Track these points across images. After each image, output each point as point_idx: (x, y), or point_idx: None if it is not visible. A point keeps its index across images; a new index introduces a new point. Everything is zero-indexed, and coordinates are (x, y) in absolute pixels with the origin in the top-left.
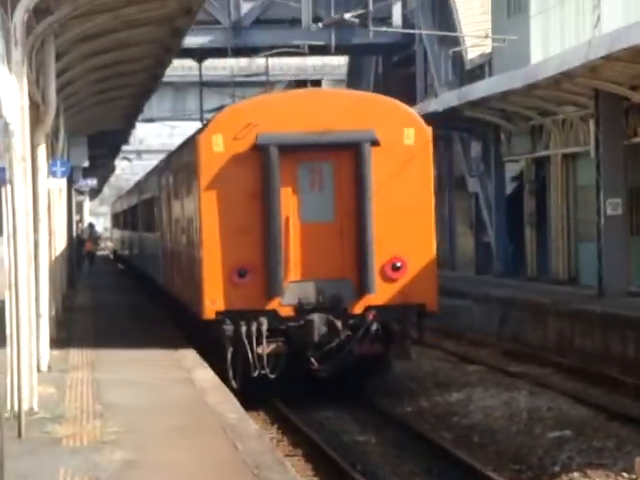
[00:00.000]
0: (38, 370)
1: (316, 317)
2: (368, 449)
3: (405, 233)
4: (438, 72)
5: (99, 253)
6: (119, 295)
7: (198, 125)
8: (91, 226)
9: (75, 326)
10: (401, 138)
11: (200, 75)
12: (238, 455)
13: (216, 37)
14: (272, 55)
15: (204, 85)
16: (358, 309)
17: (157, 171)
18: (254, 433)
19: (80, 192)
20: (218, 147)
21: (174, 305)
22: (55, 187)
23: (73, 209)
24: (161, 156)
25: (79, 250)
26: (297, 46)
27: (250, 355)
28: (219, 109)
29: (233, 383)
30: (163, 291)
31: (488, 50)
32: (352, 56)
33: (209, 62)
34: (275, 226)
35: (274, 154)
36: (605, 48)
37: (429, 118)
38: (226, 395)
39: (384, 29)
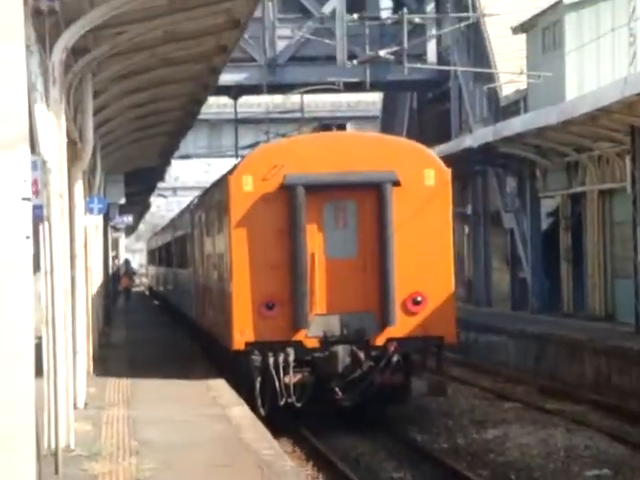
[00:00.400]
0: (75, 407)
1: (340, 349)
2: None
3: (425, 269)
4: (473, 108)
5: (135, 289)
6: (154, 331)
7: (233, 162)
8: (127, 262)
9: (111, 363)
10: (422, 179)
11: (235, 112)
12: None
13: (251, 74)
14: (307, 92)
15: (239, 122)
16: (380, 341)
17: (190, 209)
18: (290, 470)
19: (116, 229)
20: (248, 187)
21: (206, 339)
22: (92, 224)
23: (109, 246)
24: (196, 193)
25: (115, 286)
26: (332, 83)
27: (277, 384)
28: (254, 145)
29: (261, 411)
30: (196, 325)
31: (523, 86)
32: (387, 93)
33: (244, 99)
34: (301, 262)
35: (301, 193)
36: None
37: (464, 154)
38: (262, 432)
39: (419, 66)
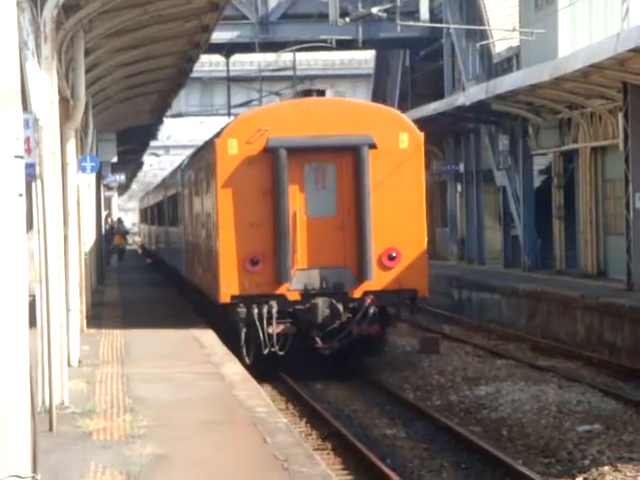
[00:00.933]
0: (69, 365)
1: (320, 301)
2: (397, 443)
3: (399, 227)
4: (466, 66)
5: (128, 247)
6: (147, 288)
7: (226, 120)
8: (119, 221)
9: (104, 321)
10: (396, 142)
11: (227, 70)
12: (267, 449)
13: (243, 32)
14: (299, 50)
15: (231, 80)
16: (357, 294)
17: (180, 170)
18: (283, 427)
19: (109, 188)
20: (233, 150)
21: (195, 293)
22: (84, 182)
23: (102, 204)
24: (189, 151)
25: (108, 245)
26: (324, 40)
27: (261, 335)
28: (246, 104)
29: (246, 359)
30: (186, 281)
31: (516, 43)
32: (379, 50)
33: (237, 57)
34: (283, 220)
35: (283, 156)
36: (634, 41)
37: (457, 112)
38: (255, 389)
39: (411, 23)
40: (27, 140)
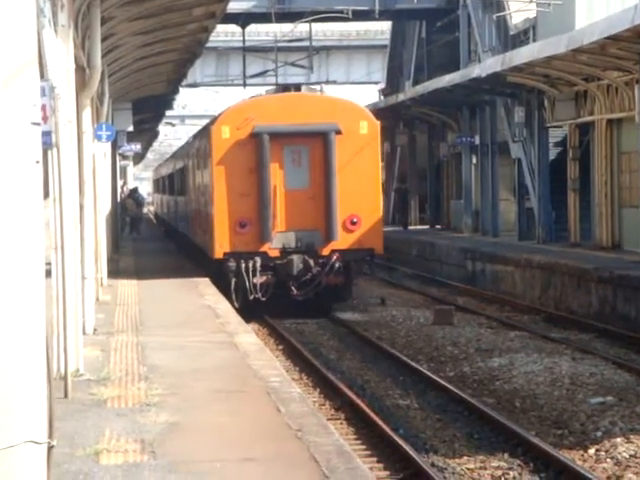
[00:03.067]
0: (84, 332)
1: (295, 257)
2: (410, 414)
3: (360, 198)
4: (482, 37)
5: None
6: (160, 255)
7: (241, 90)
8: (135, 190)
9: (119, 289)
10: (357, 129)
11: (243, 40)
12: (281, 418)
13: (260, 2)
14: (315, 20)
15: (247, 50)
16: (326, 251)
17: (186, 147)
18: (297, 397)
19: (124, 157)
20: (225, 134)
21: (198, 252)
22: (100, 151)
23: (117, 173)
24: (204, 121)
25: (123, 215)
26: (340, 11)
27: (248, 284)
28: (262, 74)
29: (236, 304)
30: (191, 242)
31: (532, 15)
32: (396, 21)
33: (252, 27)
34: (266, 191)
35: (266, 140)
36: None
37: (472, 83)
38: (269, 359)
39: None
40: (43, 108)
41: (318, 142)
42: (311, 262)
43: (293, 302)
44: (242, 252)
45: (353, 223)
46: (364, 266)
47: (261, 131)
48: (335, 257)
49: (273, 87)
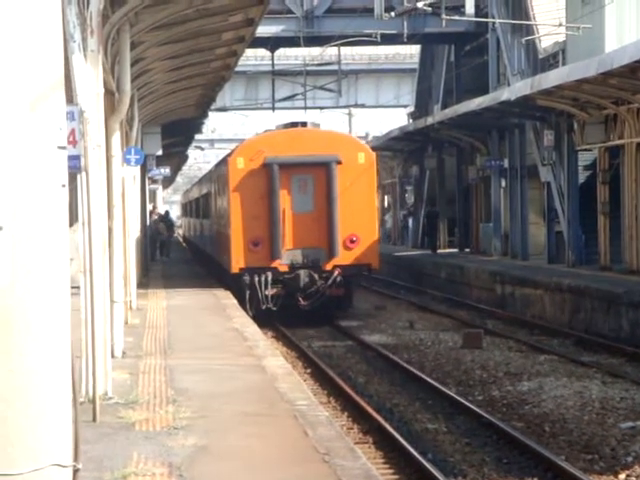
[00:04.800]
0: (112, 356)
1: (302, 272)
2: (438, 438)
3: (358, 220)
4: (511, 61)
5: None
6: (189, 281)
7: (270, 114)
8: (167, 214)
9: (148, 312)
10: (356, 159)
11: (272, 64)
12: (308, 441)
13: (288, 26)
14: (344, 44)
15: (276, 74)
16: (328, 267)
17: (208, 175)
18: (324, 420)
19: (153, 180)
20: (240, 165)
21: (219, 268)
22: (129, 175)
23: (147, 197)
24: (233, 145)
25: (153, 239)
26: (369, 35)
27: (260, 295)
28: (291, 97)
29: (250, 313)
30: (213, 260)
31: (562, 39)
32: (424, 45)
33: (281, 51)
34: (276, 214)
35: (276, 169)
36: None
37: (501, 106)
38: (297, 382)
39: (457, 18)
40: (72, 132)
41: (321, 171)
42: (316, 276)
43: (300, 311)
44: (255, 267)
45: (352, 242)
46: (361, 279)
47: (271, 162)
48: (337, 272)
49: (282, 123)
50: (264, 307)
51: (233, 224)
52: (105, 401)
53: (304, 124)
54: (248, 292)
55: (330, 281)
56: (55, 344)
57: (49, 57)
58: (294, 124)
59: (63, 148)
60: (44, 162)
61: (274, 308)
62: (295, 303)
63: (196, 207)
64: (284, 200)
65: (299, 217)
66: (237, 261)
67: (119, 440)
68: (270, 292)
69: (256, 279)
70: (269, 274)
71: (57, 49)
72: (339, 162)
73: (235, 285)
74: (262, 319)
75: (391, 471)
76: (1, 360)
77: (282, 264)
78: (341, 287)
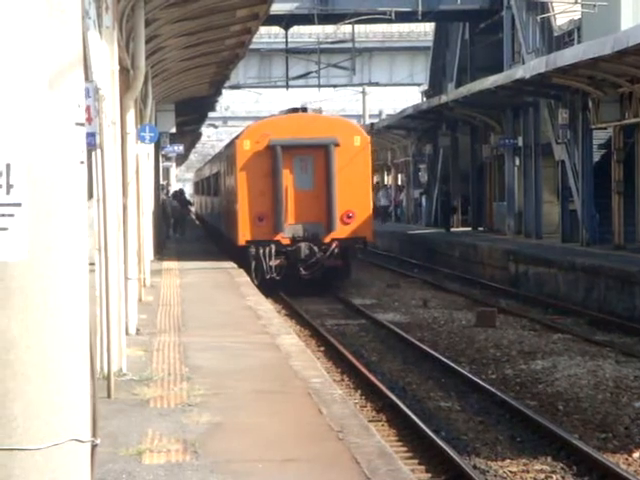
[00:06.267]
0: (126, 333)
1: (303, 245)
2: (452, 416)
3: (354, 197)
4: (526, 39)
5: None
6: (202, 259)
7: (284, 92)
8: (181, 192)
9: (162, 289)
10: (352, 142)
11: (286, 42)
12: (323, 419)
13: (302, 4)
14: (358, 22)
15: (290, 52)
16: (327, 240)
17: (219, 155)
18: (338, 398)
19: (167, 158)
20: (247, 147)
21: (227, 241)
22: (143, 152)
23: (160, 175)
24: (247, 122)
25: (166, 217)
26: (383, 13)
27: (265, 266)
28: (304, 75)
29: (255, 282)
30: (222, 234)
31: (577, 16)
32: (439, 22)
33: (295, 29)
34: (279, 192)
35: (279, 151)
36: None
37: (515, 84)
38: (311, 360)
39: None
40: (88, 109)
41: (321, 152)
42: (315, 248)
43: (302, 281)
44: (260, 240)
45: (349, 217)
46: (357, 251)
47: (275, 144)
48: (335, 244)
49: (286, 109)
50: (268, 277)
51: (240, 201)
52: (120, 378)
53: (305, 109)
54: (253, 263)
55: (328, 253)
56: (73, 320)
57: (67, 34)
58: (296, 109)
59: (81, 125)
60: (63, 139)
61: (277, 277)
62: (296, 273)
63: (207, 185)
64: (287, 179)
65: (300, 194)
66: (244, 234)
67: (134, 417)
68: (274, 263)
69: (261, 251)
70: (273, 246)
71: (75, 25)
72: (337, 144)
73: (242, 257)
74: (266, 288)
75: (404, 449)
76: (19, 336)
77: (285, 237)
78: (339, 259)
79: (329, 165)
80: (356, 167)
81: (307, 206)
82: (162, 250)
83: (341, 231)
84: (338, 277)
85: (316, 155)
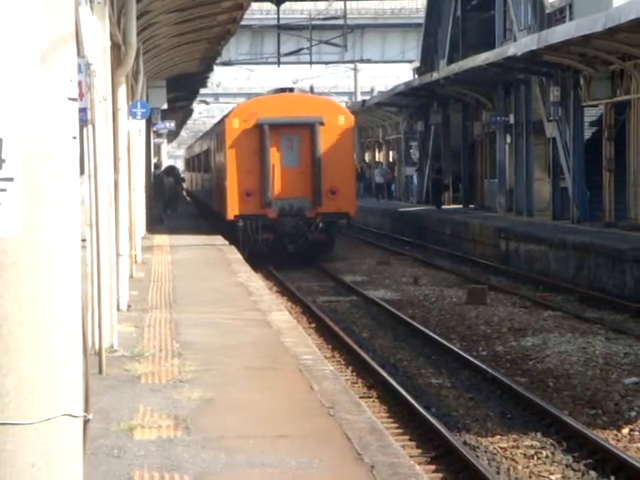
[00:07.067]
0: (118, 309)
1: (289, 219)
2: (442, 392)
3: (338, 174)
4: (517, 16)
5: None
6: (194, 236)
7: (275, 68)
8: (172, 168)
9: (153, 266)
10: (336, 121)
11: (278, 18)
12: (314, 395)
13: None
14: None
15: (282, 28)
16: (312, 214)
17: (208, 133)
18: (330, 374)
19: (158, 134)
20: (236, 125)
21: (216, 216)
22: (134, 129)
23: (152, 151)
24: (238, 99)
25: (165, 192)
26: None
27: (252, 239)
28: (296, 52)
29: (244, 254)
30: (212, 209)
31: None
32: None
33: (287, 5)
34: (267, 169)
35: (267, 129)
36: None
37: (507, 62)
38: (302, 337)
39: None
40: (79, 85)
41: (306, 131)
42: (301, 223)
43: (288, 254)
44: (248, 215)
45: (333, 193)
46: (341, 226)
47: (263, 122)
48: (319, 219)
49: (273, 89)
50: (255, 250)
51: (229, 177)
52: (111, 354)
53: (291, 90)
54: (242, 236)
55: (313, 227)
56: (65, 296)
57: (60, 8)
58: (283, 90)
59: (74, 100)
60: (55, 114)
61: (264, 250)
62: (283, 246)
63: (198, 162)
64: (274, 156)
65: (287, 171)
66: (232, 209)
67: (125, 392)
68: (261, 236)
69: (249, 225)
70: (260, 220)
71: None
72: (322, 123)
73: (230, 230)
74: (254, 260)
75: (395, 425)
76: (12, 311)
77: (271, 212)
78: (323, 233)
79: (314, 143)
80: (340, 145)
81: (293, 182)
82: (159, 225)
83: (325, 206)
84: (322, 250)
85: (302, 133)
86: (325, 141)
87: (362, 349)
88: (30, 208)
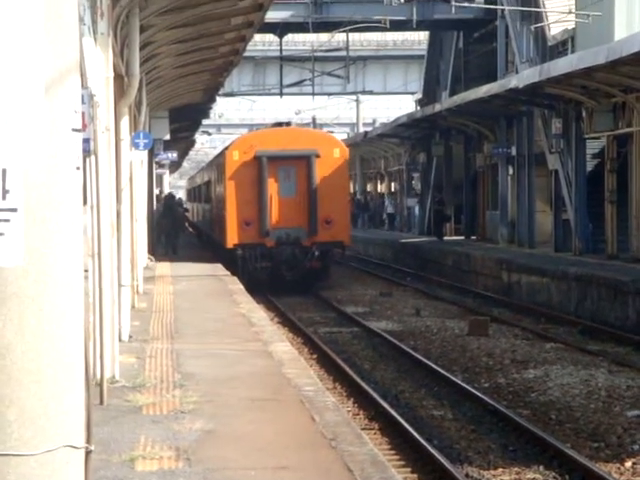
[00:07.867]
0: (119, 340)
1: (286, 247)
2: (444, 424)
3: (333, 204)
4: (519, 48)
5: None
6: (196, 265)
7: (277, 99)
8: (171, 197)
9: (155, 297)
10: (332, 154)
11: (280, 50)
12: (315, 427)
13: (297, 12)
14: (352, 30)
15: (284, 60)
16: (308, 243)
17: (209, 165)
18: (331, 406)
19: (161, 165)
20: (235, 157)
21: (216, 244)
22: (137, 159)
23: (154, 181)
24: (241, 130)
25: (163, 225)
26: (378, 21)
27: (251, 267)
28: (299, 83)
29: (242, 282)
30: (213, 238)
31: (571, 26)
32: (433, 31)
33: (290, 37)
34: (265, 199)
35: (265, 161)
36: None
37: (509, 94)
38: (304, 368)
39: (466, 4)
40: (82, 115)
41: (303, 163)
42: (297, 252)
43: (285, 281)
44: (247, 243)
45: (328, 222)
46: (337, 254)
47: (261, 155)
48: (315, 247)
49: (271, 123)
50: (254, 277)
51: (228, 207)
52: (112, 384)
53: (288, 124)
54: (241, 264)
55: (309, 255)
56: (67, 326)
57: (65, 39)
58: (280, 124)
59: (78, 131)
60: (59, 144)
61: (263, 277)
62: (280, 274)
63: (199, 193)
64: (271, 187)
65: (284, 201)
66: (232, 238)
67: (126, 423)
68: (259, 264)
69: (247, 253)
70: (258, 249)
71: (73, 31)
72: (318, 156)
73: (230, 258)
74: (253, 287)
75: (397, 457)
76: (14, 341)
77: (269, 241)
78: (319, 261)
79: (310, 174)
80: (335, 177)
81: (290, 212)
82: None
83: (321, 235)
84: (318, 278)
85: (299, 165)
86: (321, 173)
87: (364, 380)
88: (33, 238)
